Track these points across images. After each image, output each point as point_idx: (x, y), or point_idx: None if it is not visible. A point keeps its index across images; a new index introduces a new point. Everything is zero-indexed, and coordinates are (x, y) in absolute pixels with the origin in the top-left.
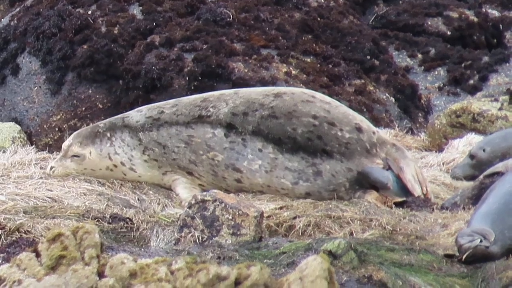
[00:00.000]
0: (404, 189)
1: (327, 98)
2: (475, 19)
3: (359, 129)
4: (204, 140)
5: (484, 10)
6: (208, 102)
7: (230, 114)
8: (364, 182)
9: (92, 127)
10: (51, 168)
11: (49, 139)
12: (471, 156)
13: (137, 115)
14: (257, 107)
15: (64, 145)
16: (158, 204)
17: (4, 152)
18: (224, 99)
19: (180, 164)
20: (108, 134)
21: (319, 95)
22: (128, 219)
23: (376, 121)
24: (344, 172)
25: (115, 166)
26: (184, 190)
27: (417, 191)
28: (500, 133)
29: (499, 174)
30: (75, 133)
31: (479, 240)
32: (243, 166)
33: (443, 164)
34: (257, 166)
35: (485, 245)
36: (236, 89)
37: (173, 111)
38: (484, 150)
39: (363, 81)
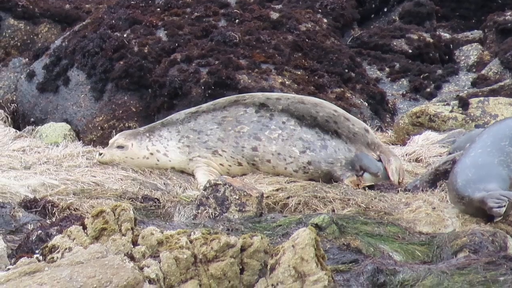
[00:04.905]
0: (386, 177)
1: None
2: (431, 40)
3: (367, 131)
4: (236, 117)
5: (438, 33)
6: (245, 95)
7: (264, 98)
8: (357, 164)
9: (134, 129)
10: (100, 154)
11: (93, 135)
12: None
13: (177, 114)
14: (289, 96)
15: (112, 139)
16: (180, 187)
17: (57, 146)
18: (261, 93)
19: (209, 145)
20: (147, 134)
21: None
22: (156, 199)
23: None
24: (345, 151)
25: (151, 154)
26: (202, 176)
27: (394, 178)
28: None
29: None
30: (121, 132)
31: (505, 203)
32: (264, 135)
33: (406, 155)
34: (277, 135)
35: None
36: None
37: (210, 103)
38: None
39: (342, 89)
